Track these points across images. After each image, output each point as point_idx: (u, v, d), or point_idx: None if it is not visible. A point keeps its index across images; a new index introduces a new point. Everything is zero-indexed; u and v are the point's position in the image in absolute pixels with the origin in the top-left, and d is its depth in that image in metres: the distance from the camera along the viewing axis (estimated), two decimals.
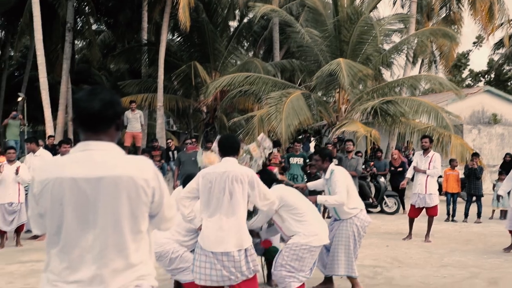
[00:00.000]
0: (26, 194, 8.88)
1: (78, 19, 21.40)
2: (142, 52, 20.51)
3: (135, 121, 14.52)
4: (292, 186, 5.84)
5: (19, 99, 19.67)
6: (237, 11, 23.40)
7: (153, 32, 23.09)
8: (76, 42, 23.37)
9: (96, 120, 2.12)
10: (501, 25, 20.33)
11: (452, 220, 12.32)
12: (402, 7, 22.46)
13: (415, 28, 18.86)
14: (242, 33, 21.12)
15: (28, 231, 9.50)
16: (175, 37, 21.56)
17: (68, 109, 19.11)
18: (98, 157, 2.10)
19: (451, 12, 21.42)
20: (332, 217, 6.01)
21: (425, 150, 9.65)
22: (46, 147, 11.62)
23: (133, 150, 15.18)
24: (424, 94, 29.06)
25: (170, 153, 14.62)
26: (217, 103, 18.75)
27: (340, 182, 5.59)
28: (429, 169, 9.48)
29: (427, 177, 9.47)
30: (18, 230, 8.80)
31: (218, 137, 5.11)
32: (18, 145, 14.63)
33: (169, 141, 15.42)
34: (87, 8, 21.49)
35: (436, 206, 9.59)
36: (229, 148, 4.32)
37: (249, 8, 17.66)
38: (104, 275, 2.04)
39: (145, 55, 20.56)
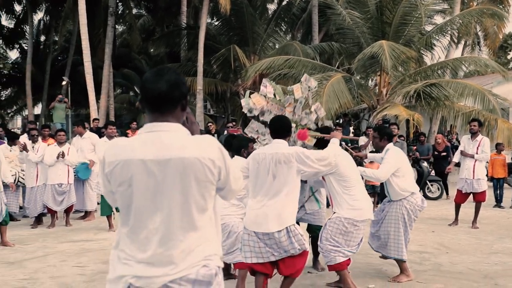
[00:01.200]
0: (75, 176, 9.14)
1: (119, 3, 21.64)
2: (182, 36, 20.62)
3: None
4: (352, 154, 5.76)
5: (63, 83, 20.15)
6: None
7: (192, 16, 23.21)
8: (116, 26, 23.68)
9: (162, 101, 2.14)
10: None
11: (499, 206, 11.99)
12: None
13: (460, 8, 18.26)
14: (280, 16, 20.91)
15: (77, 211, 9.80)
16: (214, 20, 21.53)
17: (110, 93, 19.51)
18: (165, 138, 2.11)
19: None
20: (386, 198, 5.94)
21: (473, 134, 9.37)
22: (91, 130, 11.87)
23: None
24: (466, 77, 28.19)
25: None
26: (256, 86, 18.69)
27: (389, 159, 5.51)
28: (477, 153, 9.23)
29: (475, 161, 9.21)
30: (68, 210, 9.07)
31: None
32: (64, 127, 15.01)
33: (209, 124, 15.53)
34: None
35: (484, 191, 9.33)
36: (279, 129, 4.30)
37: None
38: (173, 256, 2.07)
39: (184, 39, 20.69)
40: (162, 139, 2.11)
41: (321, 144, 5.17)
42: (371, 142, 6.56)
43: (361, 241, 5.04)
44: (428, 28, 17.45)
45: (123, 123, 21.48)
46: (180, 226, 2.09)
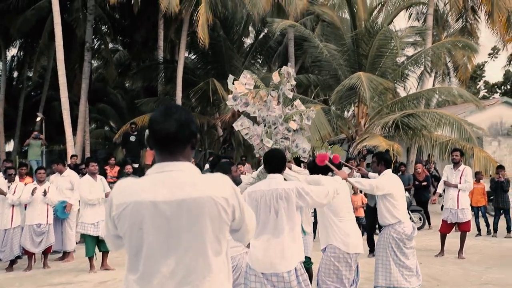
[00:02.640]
0: (54, 215, 8.83)
1: (95, 38, 21.55)
2: (159, 70, 20.60)
3: None
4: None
5: (38, 119, 19.75)
6: (250, 28, 23.51)
7: (169, 50, 23.26)
8: (92, 61, 23.55)
9: (172, 141, 2.07)
10: None
11: (478, 234, 12.09)
12: (418, 20, 22.39)
13: (432, 40, 18.77)
14: (257, 49, 21.13)
15: (55, 252, 9.44)
16: (191, 54, 21.63)
17: (86, 128, 19.22)
18: (177, 178, 2.03)
19: (468, 23, 21.31)
20: None
21: (456, 164, 9.47)
22: (69, 166, 11.58)
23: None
24: (438, 107, 28.84)
25: None
26: (235, 119, 18.68)
27: (384, 178, 5.74)
28: (460, 183, 9.31)
29: (459, 191, 9.29)
30: (46, 252, 8.73)
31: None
32: (40, 165, 14.62)
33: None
34: (104, 27, 21.70)
35: (469, 221, 9.40)
36: (275, 165, 4.20)
37: (268, 24, 17.69)
38: None
39: (161, 73, 20.66)
40: (174, 179, 2.02)
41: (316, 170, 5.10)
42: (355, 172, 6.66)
43: (357, 278, 4.96)
44: (401, 59, 17.83)
45: (98, 158, 21.13)
46: (196, 270, 1.99)
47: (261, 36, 20.84)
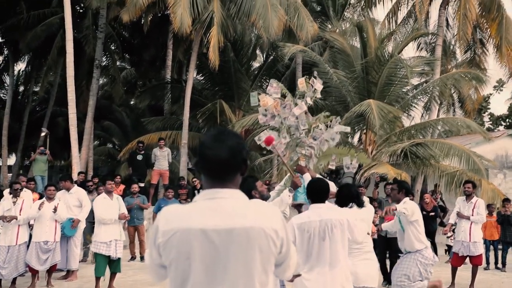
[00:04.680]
0: (61, 233, 8.68)
1: (103, 56, 21.66)
2: (166, 89, 20.64)
3: (163, 159, 14.48)
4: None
5: (42, 134, 19.68)
6: (257, 51, 23.65)
7: (176, 70, 23.36)
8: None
9: (224, 168, 2.00)
10: None
11: (496, 268, 11.95)
12: (426, 50, 22.53)
13: (440, 71, 18.88)
14: (265, 72, 21.20)
15: (58, 270, 9.25)
16: (198, 75, 21.70)
17: (90, 145, 19.16)
18: (227, 206, 1.95)
19: (476, 55, 21.45)
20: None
21: (468, 196, 9.38)
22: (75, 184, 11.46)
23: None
24: (441, 137, 28.83)
25: (196, 191, 14.41)
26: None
27: (413, 205, 6.09)
28: (472, 215, 9.20)
29: (471, 224, 9.18)
30: (50, 270, 8.56)
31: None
32: (45, 181, 14.50)
33: (194, 179, 15.24)
34: (112, 45, 21.82)
35: (481, 255, 9.27)
36: (320, 195, 4.15)
37: (279, 48, 17.77)
38: None
39: (168, 93, 20.70)
40: (224, 207, 1.94)
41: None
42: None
43: None
44: (408, 88, 17.86)
45: (100, 175, 21.02)
46: None
47: (269, 59, 20.92)
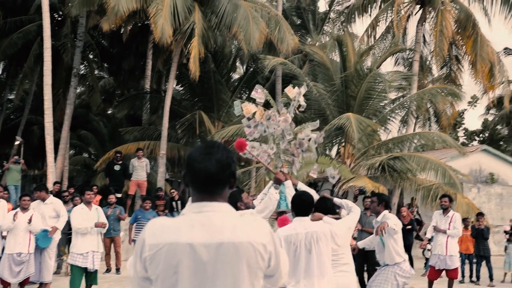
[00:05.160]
0: (35, 245, 8.47)
1: (82, 65, 21.43)
2: (145, 99, 20.50)
3: (141, 169, 14.33)
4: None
5: (17, 142, 19.29)
6: (237, 63, 23.72)
7: (155, 80, 23.22)
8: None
9: (212, 182, 1.97)
10: (502, 84, 20.81)
11: (471, 281, 12.12)
12: (404, 65, 22.92)
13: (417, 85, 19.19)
14: (245, 84, 21.25)
15: (31, 282, 9.01)
16: (178, 86, 21.63)
17: (66, 154, 18.85)
18: (216, 220, 1.93)
19: (451, 71, 21.89)
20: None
21: (445, 210, 9.51)
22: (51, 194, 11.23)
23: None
24: (417, 151, 29.28)
25: (174, 203, 14.29)
26: None
27: (395, 218, 6.19)
28: (449, 229, 9.31)
29: (448, 237, 9.28)
30: (23, 283, 8.33)
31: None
32: (18, 190, 14.18)
33: (172, 190, 15.12)
34: (91, 54, 21.62)
35: (457, 268, 9.38)
36: (304, 209, 4.17)
37: (259, 60, 17.84)
38: None
39: (147, 103, 20.56)
40: (212, 221, 1.91)
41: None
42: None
43: None
44: (386, 102, 18.09)
45: (75, 185, 20.69)
46: None
47: (249, 71, 21.00)
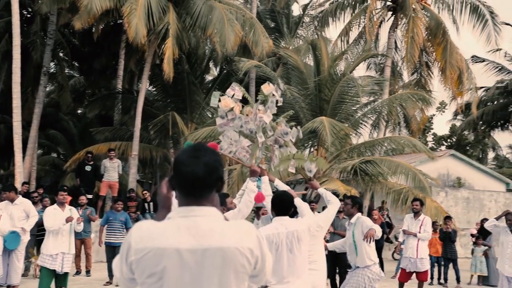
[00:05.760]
0: (3, 247, 8.25)
1: (52, 63, 21.01)
2: (117, 99, 20.23)
3: (113, 170, 14.13)
4: None
5: None
6: (211, 64, 23.64)
7: (128, 80, 22.93)
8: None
9: (200, 185, 1.96)
10: (470, 90, 21.36)
11: (439, 283, 12.37)
12: (375, 70, 23.27)
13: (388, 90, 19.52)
14: (218, 86, 21.20)
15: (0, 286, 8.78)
16: (150, 86, 21.42)
17: (34, 154, 18.44)
18: (203, 225, 1.91)
19: (422, 77, 22.34)
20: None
21: (416, 213, 9.68)
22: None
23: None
24: (387, 155, 29.75)
25: (146, 204, 14.14)
26: None
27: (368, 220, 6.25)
28: (420, 232, 9.48)
29: (418, 240, 9.45)
30: None
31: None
32: None
33: (144, 192, 14.96)
34: (61, 52, 21.22)
35: (427, 271, 9.56)
36: (284, 208, 4.19)
37: (234, 63, 17.83)
38: None
39: (119, 103, 20.29)
40: (199, 226, 1.89)
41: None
42: None
43: None
44: (358, 107, 18.31)
45: (44, 186, 20.26)
46: None
47: (223, 73, 20.97)
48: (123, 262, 1.92)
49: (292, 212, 4.79)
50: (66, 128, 25.36)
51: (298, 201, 4.89)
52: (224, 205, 4.78)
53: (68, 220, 7.77)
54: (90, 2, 14.62)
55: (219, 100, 5.22)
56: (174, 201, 2.00)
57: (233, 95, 5.33)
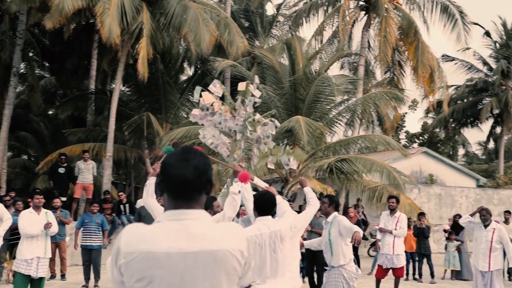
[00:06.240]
0: None
1: (22, 63, 20.57)
2: (90, 100, 19.93)
3: (87, 172, 13.91)
4: None
5: None
6: (185, 64, 23.51)
7: (100, 80, 22.60)
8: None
9: (189, 188, 1.94)
10: (441, 88, 21.76)
11: (414, 279, 12.57)
12: (349, 69, 23.51)
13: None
14: (192, 87, 21.12)
15: None
16: (124, 87, 21.16)
17: (4, 156, 18.03)
18: (193, 228, 1.89)
19: (394, 76, 22.67)
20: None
21: (392, 210, 9.80)
22: None
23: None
24: (361, 153, 30.09)
25: (122, 206, 13.98)
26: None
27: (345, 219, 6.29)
28: (396, 229, 9.61)
29: (394, 237, 9.58)
30: None
31: None
32: None
33: (120, 193, 14.79)
34: (32, 52, 20.79)
35: (403, 267, 9.70)
36: (267, 209, 4.19)
37: (209, 62, 17.76)
38: None
39: (92, 104, 19.99)
40: (189, 229, 1.88)
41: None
42: None
43: None
44: (331, 105, 18.45)
45: (14, 188, 19.82)
46: None
47: (198, 73, 20.88)
48: (113, 265, 1.90)
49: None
50: (37, 129, 24.86)
51: (278, 199, 4.89)
52: (211, 208, 4.76)
53: (46, 227, 7.63)
54: (61, 1, 14.36)
55: (201, 96, 5.23)
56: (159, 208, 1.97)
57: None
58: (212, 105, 5.33)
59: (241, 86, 5.45)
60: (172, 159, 1.98)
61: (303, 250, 10.99)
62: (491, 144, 37.58)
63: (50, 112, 27.94)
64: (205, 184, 1.97)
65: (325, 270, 7.19)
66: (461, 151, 40.80)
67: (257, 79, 5.87)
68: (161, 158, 4.61)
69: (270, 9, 50.97)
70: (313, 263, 10.03)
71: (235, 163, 5.10)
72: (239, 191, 4.66)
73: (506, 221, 13.38)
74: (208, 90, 5.55)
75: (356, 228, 6.03)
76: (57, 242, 11.02)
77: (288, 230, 4.20)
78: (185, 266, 1.84)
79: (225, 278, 1.89)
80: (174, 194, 1.95)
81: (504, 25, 29.50)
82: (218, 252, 1.88)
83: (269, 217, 4.23)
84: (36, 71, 23.43)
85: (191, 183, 1.92)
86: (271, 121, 5.79)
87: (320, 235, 8.32)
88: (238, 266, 1.93)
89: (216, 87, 5.39)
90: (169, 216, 1.93)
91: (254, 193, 5.12)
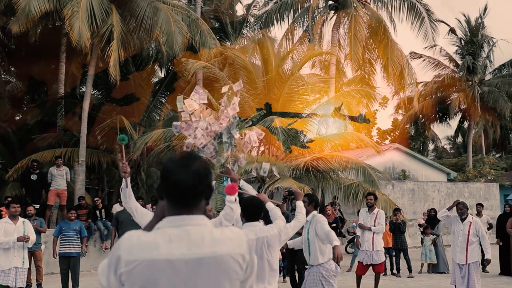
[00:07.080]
0: None
1: None
2: (60, 105, 19.51)
3: (60, 178, 13.62)
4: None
5: None
6: (156, 66, 23.29)
7: (70, 84, 22.16)
8: None
9: (189, 194, 1.93)
10: (410, 85, 22.12)
11: (392, 274, 12.74)
12: (320, 68, 23.68)
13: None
14: (165, 88, 20.92)
15: None
16: (95, 91, 20.81)
17: None
18: (194, 233, 1.89)
19: (365, 74, 22.95)
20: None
21: (370, 207, 9.92)
22: None
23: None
24: (334, 151, 30.38)
25: (98, 212, 13.74)
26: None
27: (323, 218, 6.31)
28: (374, 225, 9.73)
29: (373, 234, 9.70)
30: None
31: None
32: None
33: (96, 199, 14.53)
34: None
35: (383, 262, 9.82)
36: (252, 213, 4.17)
37: (182, 64, 17.63)
38: None
39: (62, 108, 19.58)
40: (191, 235, 1.87)
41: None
42: None
43: None
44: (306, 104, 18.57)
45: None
46: None
47: (170, 75, 20.69)
48: (111, 272, 1.85)
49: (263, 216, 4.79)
50: (4, 136, 24.21)
51: (270, 205, 4.85)
52: (204, 213, 4.72)
53: (20, 240, 7.42)
54: (28, 4, 14.03)
55: (183, 104, 5.17)
56: (148, 214, 1.93)
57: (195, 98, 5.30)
58: (193, 113, 5.28)
59: (225, 89, 5.44)
60: (172, 165, 1.95)
61: (283, 251, 11.08)
62: (460, 139, 38.49)
63: (17, 118, 27.29)
64: (205, 190, 1.96)
65: (306, 268, 7.22)
66: (430, 146, 41.65)
67: (239, 85, 5.84)
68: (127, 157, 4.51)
69: (240, 10, 50.96)
70: (294, 261, 10.05)
71: (233, 172, 5.06)
72: (236, 199, 4.62)
73: (479, 214, 13.71)
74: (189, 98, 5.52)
75: (333, 236, 5.90)
76: (32, 251, 10.74)
77: (277, 236, 4.17)
78: (188, 272, 1.82)
79: (228, 282, 1.89)
80: (174, 200, 1.94)
81: (468, 22, 30.23)
82: (220, 257, 1.88)
83: (257, 222, 4.22)
84: (2, 76, 22.85)
85: (191, 188, 1.91)
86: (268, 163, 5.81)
87: (300, 234, 8.32)
88: (239, 270, 1.93)
89: (199, 93, 5.35)
90: (170, 223, 1.91)
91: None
